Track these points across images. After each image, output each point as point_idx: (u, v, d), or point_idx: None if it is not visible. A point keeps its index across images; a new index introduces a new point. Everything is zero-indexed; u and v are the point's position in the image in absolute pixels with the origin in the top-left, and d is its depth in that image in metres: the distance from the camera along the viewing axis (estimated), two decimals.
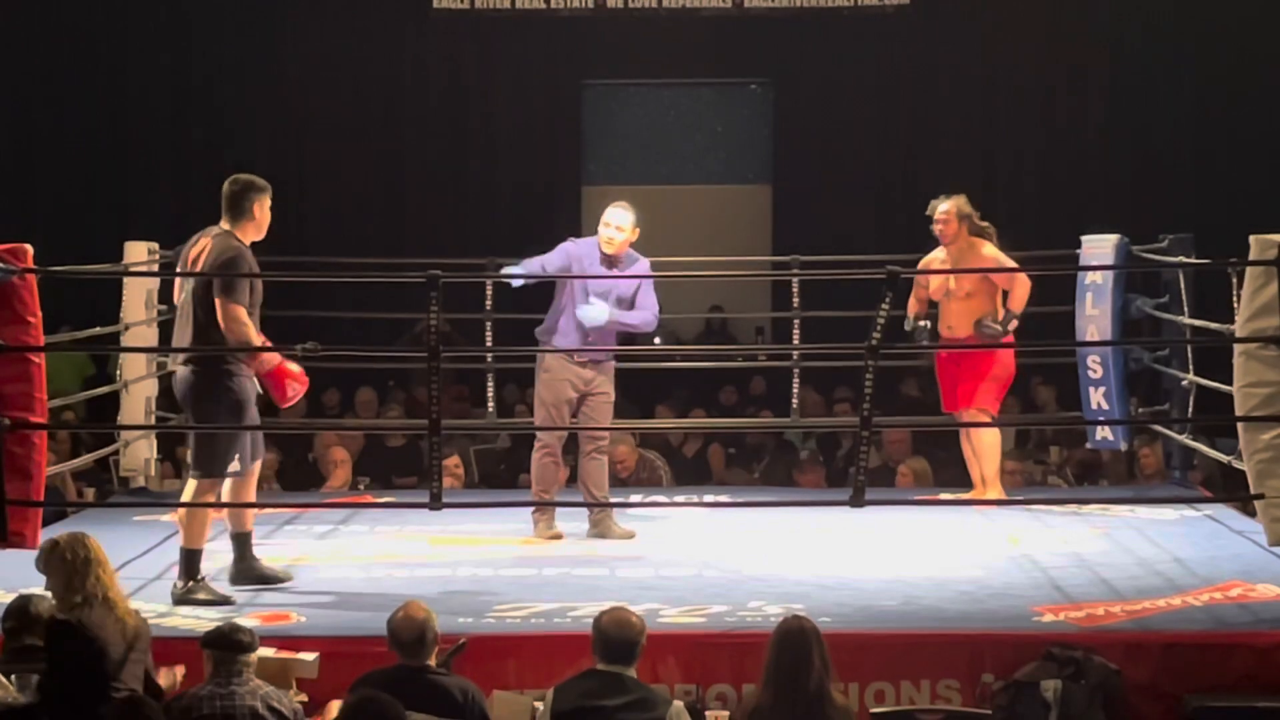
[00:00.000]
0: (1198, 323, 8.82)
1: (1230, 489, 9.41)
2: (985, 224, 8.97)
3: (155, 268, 9.61)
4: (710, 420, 12.16)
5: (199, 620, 6.32)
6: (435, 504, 6.64)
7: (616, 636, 5.37)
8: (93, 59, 14.43)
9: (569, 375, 8.10)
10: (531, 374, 12.18)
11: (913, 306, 9.07)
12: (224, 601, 6.88)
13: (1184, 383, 9.10)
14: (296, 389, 7.12)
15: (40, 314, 6.53)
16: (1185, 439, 9.14)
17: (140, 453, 9.44)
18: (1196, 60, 14.20)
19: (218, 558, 7.33)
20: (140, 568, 7.53)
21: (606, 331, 8.10)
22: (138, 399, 9.36)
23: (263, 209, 7.32)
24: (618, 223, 8.14)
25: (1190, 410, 9.10)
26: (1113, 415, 9.24)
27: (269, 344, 7.05)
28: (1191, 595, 6.77)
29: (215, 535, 8.34)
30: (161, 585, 7.16)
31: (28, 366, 6.49)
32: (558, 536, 8.19)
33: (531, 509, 8.27)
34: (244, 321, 6.91)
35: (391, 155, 14.62)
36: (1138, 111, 14.24)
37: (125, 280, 9.40)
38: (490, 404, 10.21)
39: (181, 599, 6.89)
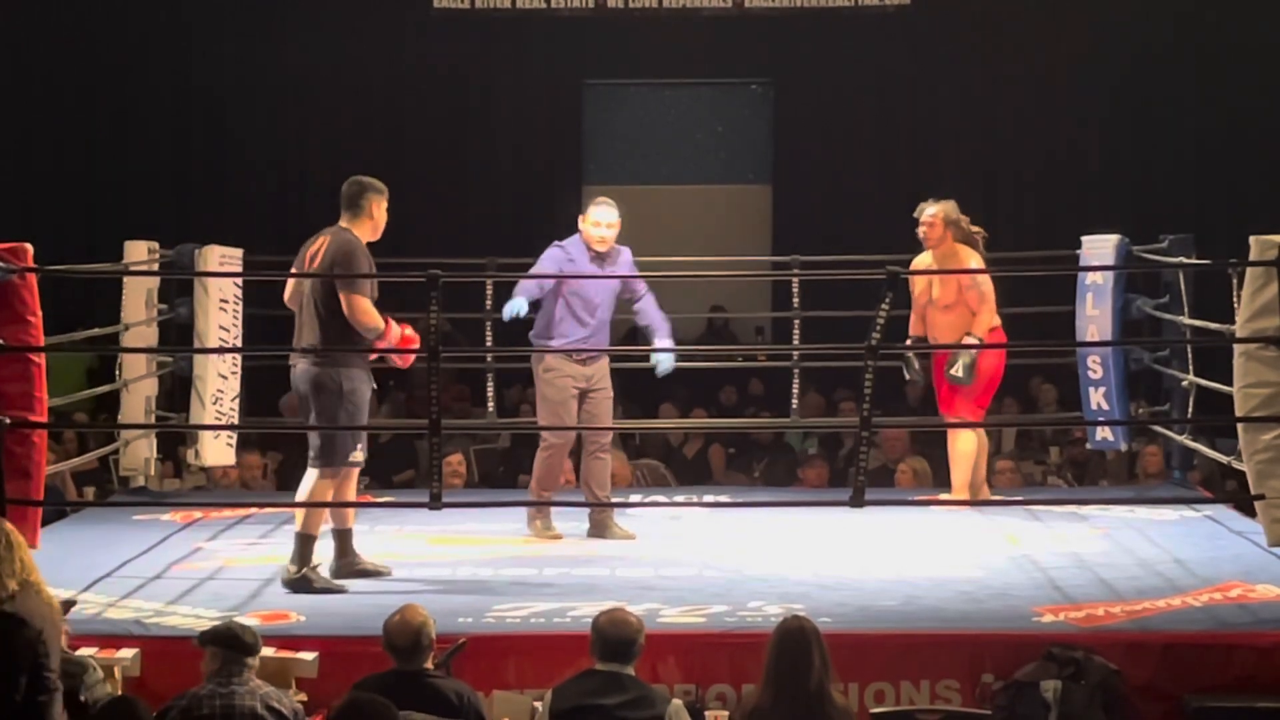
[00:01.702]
0: (1198, 323, 8.82)
1: (1230, 489, 9.43)
2: (976, 229, 8.92)
3: (155, 267, 9.61)
4: (710, 420, 12.16)
5: (198, 620, 6.32)
6: (435, 504, 6.65)
7: (614, 636, 5.38)
8: (92, 58, 14.42)
9: (570, 372, 8.13)
10: (530, 373, 12.23)
11: (915, 326, 9.02)
12: (336, 590, 7.01)
13: (1184, 383, 9.10)
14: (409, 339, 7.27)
15: (40, 313, 6.53)
16: (1185, 439, 9.14)
17: (140, 452, 9.44)
18: (1196, 60, 14.19)
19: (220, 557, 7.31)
20: (140, 567, 7.54)
21: (603, 328, 8.17)
22: (138, 398, 9.36)
23: (380, 209, 7.48)
24: (608, 221, 8.20)
25: (1190, 411, 9.10)
26: (1113, 415, 9.25)
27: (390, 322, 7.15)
28: (1191, 595, 6.76)
29: (216, 533, 8.35)
30: (161, 585, 7.17)
31: (28, 366, 6.49)
32: (557, 537, 8.20)
33: (527, 509, 8.27)
34: (368, 310, 7.06)
35: (392, 155, 14.58)
36: (1138, 111, 14.23)
37: (125, 280, 9.40)
38: (490, 404, 10.21)
39: (292, 583, 7.02)
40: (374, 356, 7.34)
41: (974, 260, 8.78)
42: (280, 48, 14.33)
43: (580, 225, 8.28)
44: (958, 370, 8.73)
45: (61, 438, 10.62)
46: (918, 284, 8.94)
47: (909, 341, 8.96)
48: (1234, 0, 14.09)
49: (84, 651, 5.73)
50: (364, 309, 7.06)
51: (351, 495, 7.32)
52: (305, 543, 7.09)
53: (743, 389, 13.12)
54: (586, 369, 8.15)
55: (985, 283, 8.80)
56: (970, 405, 8.84)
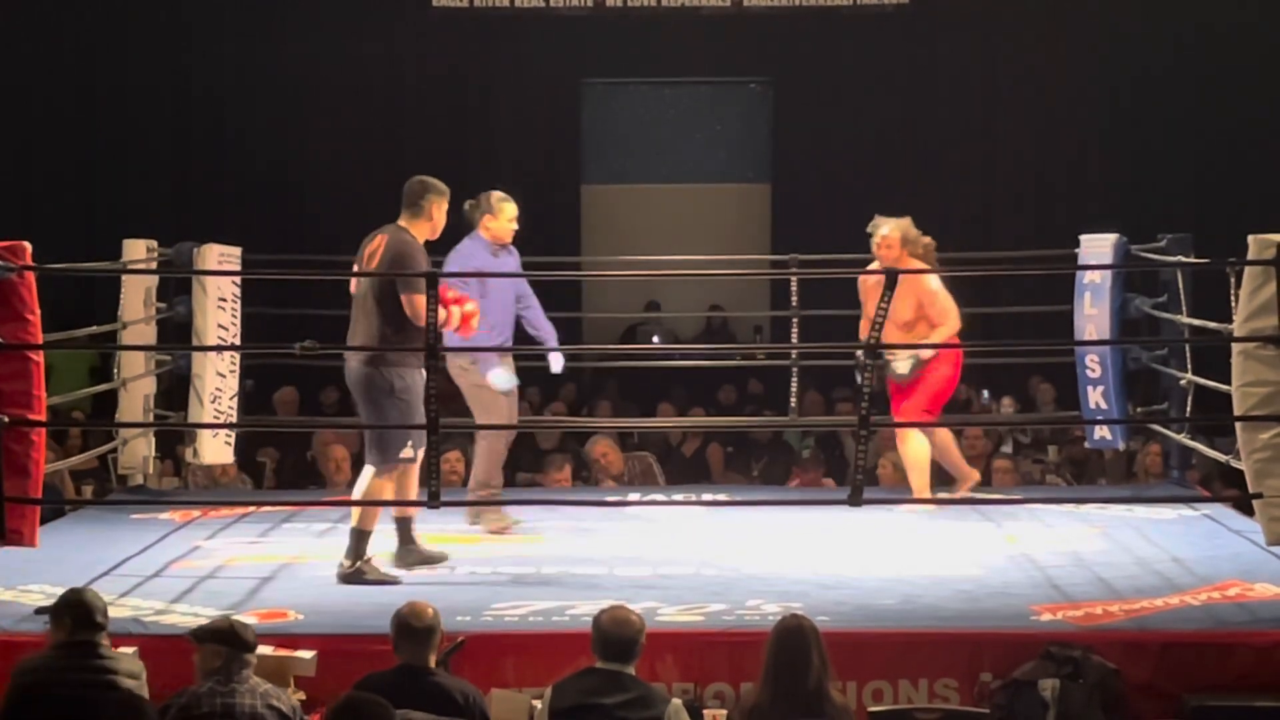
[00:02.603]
0: (1196, 322, 8.82)
1: (1228, 488, 9.42)
2: (927, 239, 8.85)
3: (154, 265, 9.61)
4: (709, 420, 12.16)
5: (196, 618, 6.31)
6: (434, 502, 6.65)
7: (615, 635, 5.37)
8: (92, 57, 14.42)
9: (506, 366, 8.33)
10: (530, 374, 12.23)
11: (864, 329, 8.81)
12: (391, 582, 7.09)
13: (1182, 382, 9.10)
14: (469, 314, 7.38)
15: (39, 311, 6.52)
16: (1183, 438, 9.14)
17: (139, 451, 9.43)
18: (1196, 60, 14.19)
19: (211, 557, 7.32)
20: (138, 565, 7.54)
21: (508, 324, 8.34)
22: (136, 397, 9.35)
23: (440, 210, 7.54)
24: (516, 214, 8.41)
25: (1188, 410, 9.10)
26: (1111, 414, 9.25)
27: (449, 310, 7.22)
28: (1190, 594, 6.76)
29: (214, 532, 8.35)
30: (159, 583, 7.16)
31: (26, 364, 6.49)
32: (507, 528, 8.29)
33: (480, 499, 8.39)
34: (422, 307, 7.04)
35: (390, 153, 14.59)
36: (1136, 111, 14.24)
37: (124, 278, 9.40)
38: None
39: (348, 577, 7.11)
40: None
41: (931, 279, 8.70)
42: (279, 46, 14.33)
43: (486, 223, 8.37)
44: (902, 367, 8.65)
45: (66, 436, 10.64)
46: (872, 296, 8.69)
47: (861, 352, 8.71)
48: (1234, 1, 14.09)
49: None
50: (421, 304, 7.05)
51: (413, 489, 7.33)
52: (360, 538, 7.19)
53: (741, 388, 13.13)
54: (509, 362, 8.37)
55: (945, 298, 8.73)
56: (918, 411, 8.67)
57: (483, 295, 8.02)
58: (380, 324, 7.19)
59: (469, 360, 8.20)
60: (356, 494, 7.29)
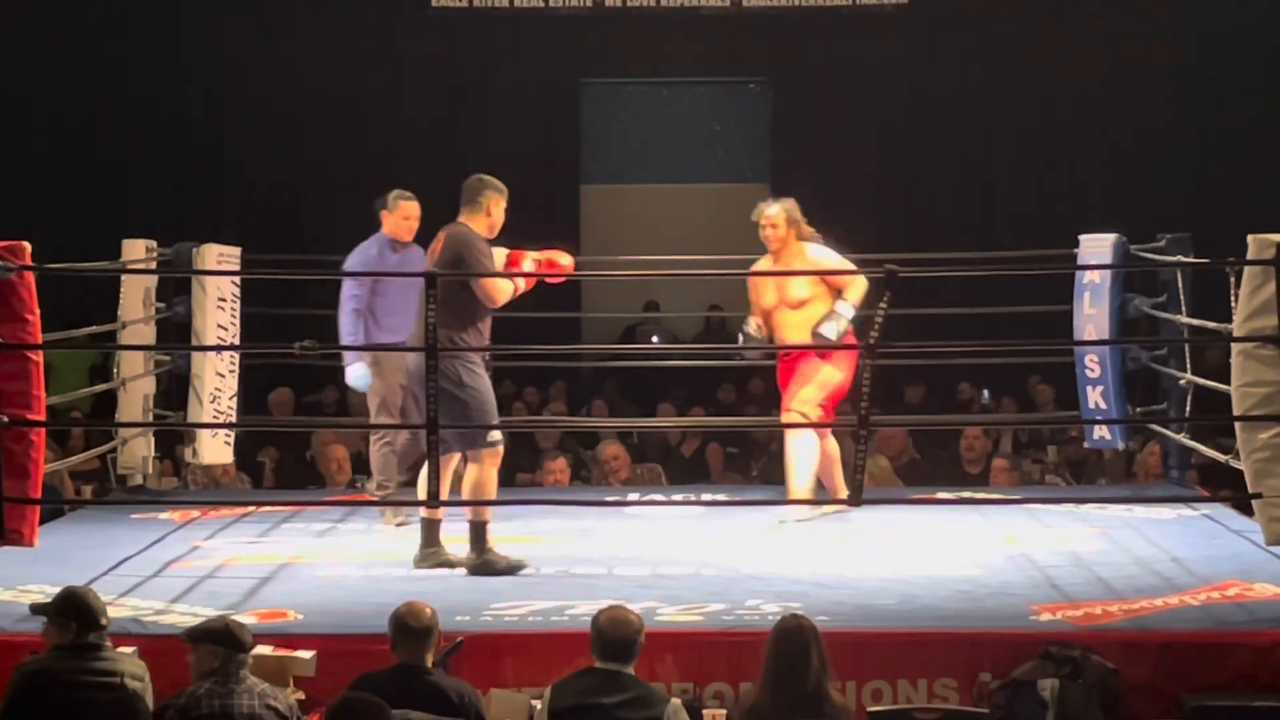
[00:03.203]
0: (1195, 322, 8.82)
1: (1228, 488, 9.42)
2: (812, 231, 8.71)
3: (153, 265, 9.61)
4: (709, 420, 12.15)
5: (196, 618, 6.30)
6: (434, 502, 6.65)
7: (614, 635, 5.37)
8: (91, 56, 14.41)
9: (398, 364, 8.37)
10: (529, 373, 12.25)
11: (755, 322, 8.76)
12: (518, 568, 7.24)
13: (1181, 382, 9.10)
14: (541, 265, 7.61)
15: (38, 311, 6.52)
16: (1183, 438, 9.14)
17: (138, 451, 9.43)
18: (1196, 59, 14.19)
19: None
20: (138, 565, 7.54)
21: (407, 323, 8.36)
22: (135, 397, 9.36)
23: (498, 208, 7.65)
24: (418, 212, 8.67)
25: (1188, 409, 9.10)
26: (1110, 414, 9.25)
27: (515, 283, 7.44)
28: (1189, 594, 6.76)
29: (214, 532, 8.34)
30: (159, 583, 7.17)
31: (26, 364, 6.49)
32: (404, 523, 8.34)
33: (384, 498, 8.56)
34: (497, 285, 7.38)
35: (390, 153, 14.61)
36: (1136, 110, 14.23)
37: (123, 278, 9.40)
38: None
39: (477, 569, 7.23)
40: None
41: (819, 251, 8.58)
42: (278, 46, 14.33)
43: (385, 220, 8.66)
44: (828, 330, 8.39)
45: (69, 436, 10.64)
46: (764, 290, 8.68)
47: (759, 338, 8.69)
48: (1233, 1, 14.09)
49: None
50: (493, 286, 7.34)
51: (493, 478, 7.41)
52: (480, 530, 7.31)
53: (741, 388, 13.12)
54: (417, 359, 8.34)
55: (842, 260, 8.62)
56: (810, 404, 8.45)
57: (382, 294, 8.42)
58: (452, 319, 7.23)
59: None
60: (465, 492, 7.35)
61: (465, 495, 7.36)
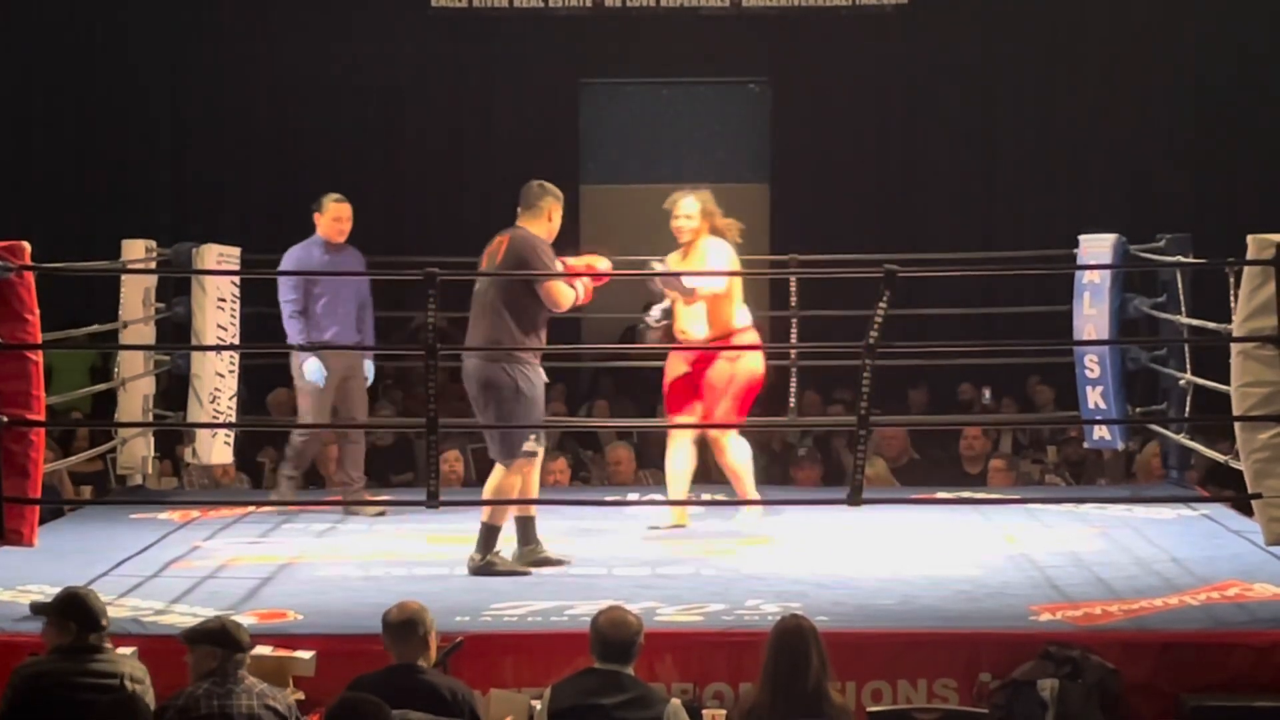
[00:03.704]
0: (1195, 322, 8.82)
1: (1227, 488, 9.42)
2: (729, 221, 8.48)
3: (153, 265, 9.61)
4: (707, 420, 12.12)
5: (195, 619, 6.30)
6: (432, 502, 6.65)
7: (613, 636, 5.37)
8: (91, 56, 14.40)
9: (331, 365, 8.71)
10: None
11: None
12: (521, 574, 7.25)
13: (1181, 382, 9.10)
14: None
15: (38, 311, 6.53)
16: (1182, 438, 9.14)
17: (138, 451, 9.43)
18: (1195, 58, 14.19)
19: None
20: (138, 565, 7.54)
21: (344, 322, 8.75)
22: (135, 397, 9.36)
23: (557, 214, 7.65)
24: (349, 214, 8.89)
25: (1187, 410, 9.10)
26: (1110, 414, 9.25)
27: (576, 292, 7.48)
28: (1189, 594, 6.77)
29: (214, 532, 8.34)
30: (159, 584, 7.17)
31: (25, 364, 6.49)
32: (382, 513, 8.79)
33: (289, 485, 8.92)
34: (561, 289, 7.39)
35: (389, 153, 14.60)
36: (1135, 110, 14.23)
37: (123, 278, 9.40)
38: None
39: (479, 570, 7.26)
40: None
41: (712, 246, 8.31)
42: (277, 46, 14.32)
43: (317, 222, 8.89)
44: (655, 315, 8.30)
45: (74, 438, 10.64)
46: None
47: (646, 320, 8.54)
48: (1233, 1, 14.09)
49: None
50: (558, 290, 7.36)
51: (534, 484, 7.50)
52: (490, 533, 7.34)
53: None
54: (345, 359, 8.74)
55: (726, 265, 8.38)
56: (731, 414, 8.38)
57: (317, 297, 8.66)
58: (509, 321, 7.30)
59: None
60: (487, 492, 7.41)
61: (486, 494, 7.41)
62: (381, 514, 8.85)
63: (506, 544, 7.51)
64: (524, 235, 7.53)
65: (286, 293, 8.78)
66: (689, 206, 8.31)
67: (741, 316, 8.46)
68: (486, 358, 7.35)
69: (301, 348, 8.70)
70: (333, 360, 8.77)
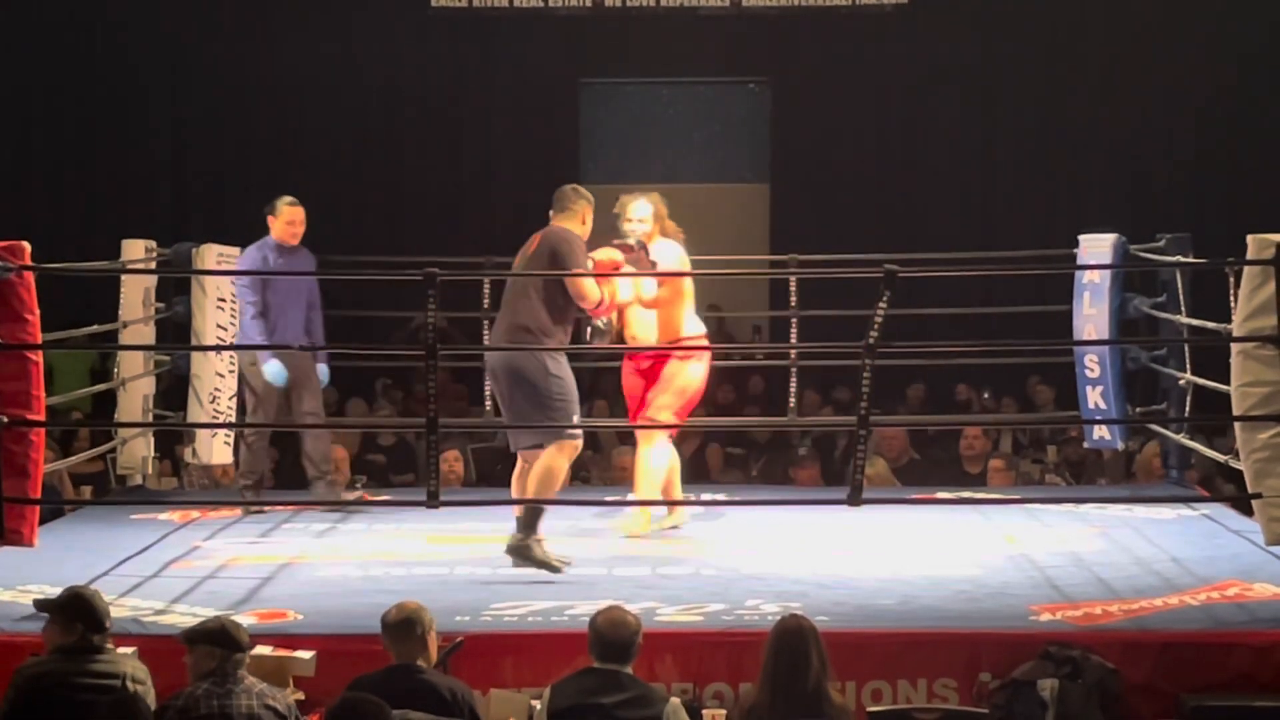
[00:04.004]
0: (1195, 322, 8.82)
1: (1227, 488, 9.43)
2: (674, 224, 8.33)
3: (152, 265, 9.61)
4: (708, 419, 12.13)
5: (195, 619, 6.30)
6: (432, 502, 6.65)
7: (612, 635, 5.37)
8: (91, 56, 14.41)
9: (284, 363, 8.75)
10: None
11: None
12: (552, 568, 7.15)
13: (1181, 382, 9.10)
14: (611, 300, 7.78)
15: (38, 311, 6.53)
16: (1182, 438, 9.14)
17: (138, 451, 9.43)
18: (1194, 58, 14.19)
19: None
20: (138, 565, 7.53)
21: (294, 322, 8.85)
22: (135, 397, 9.36)
23: (588, 217, 7.67)
24: (302, 217, 8.95)
25: (1187, 409, 9.10)
26: (1110, 414, 9.25)
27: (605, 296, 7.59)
28: (1189, 594, 6.76)
29: (213, 532, 8.34)
30: (159, 584, 7.16)
31: (25, 364, 6.49)
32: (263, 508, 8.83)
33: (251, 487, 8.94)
34: (591, 285, 7.47)
35: (389, 153, 14.61)
36: (1135, 110, 14.23)
37: (123, 278, 9.40)
38: (488, 402, 10.19)
39: (515, 549, 7.20)
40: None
41: (676, 248, 8.15)
42: (277, 46, 14.33)
43: (271, 224, 8.94)
44: (601, 323, 7.99)
45: (75, 437, 10.64)
46: (612, 284, 7.98)
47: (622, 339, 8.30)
48: (1232, 1, 14.09)
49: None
50: (586, 286, 7.42)
51: (564, 468, 7.48)
52: (533, 514, 7.29)
53: (741, 387, 13.12)
54: (296, 357, 8.82)
55: (679, 266, 8.20)
56: (665, 410, 8.13)
57: (274, 298, 8.74)
58: (539, 309, 7.36)
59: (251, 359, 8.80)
60: (535, 472, 7.37)
61: (533, 478, 7.38)
62: (359, 500, 8.98)
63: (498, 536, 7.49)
64: (558, 229, 7.55)
65: (249, 294, 8.82)
66: (642, 209, 8.13)
67: (692, 324, 8.27)
68: (511, 345, 7.38)
69: (296, 349, 8.75)
70: (286, 361, 8.83)
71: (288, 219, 8.94)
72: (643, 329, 8.26)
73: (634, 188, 8.49)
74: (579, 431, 7.46)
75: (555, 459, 7.37)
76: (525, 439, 7.51)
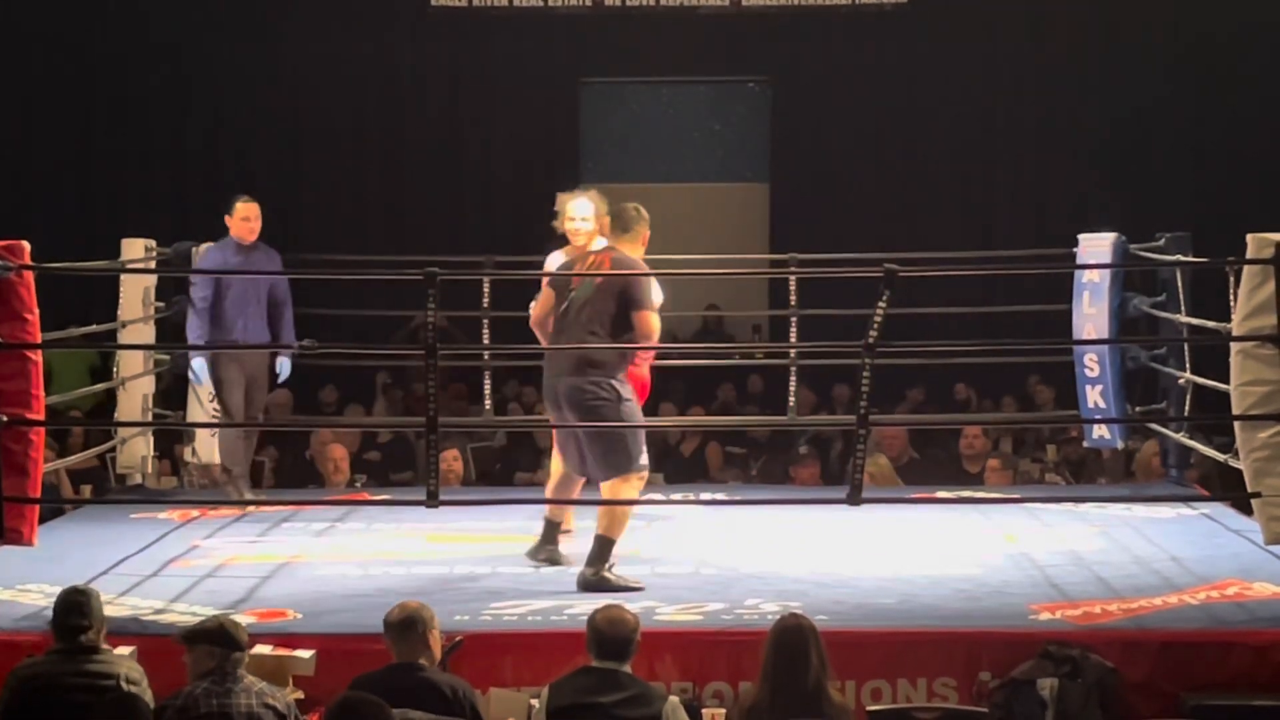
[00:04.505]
0: (1195, 321, 8.82)
1: (1227, 487, 9.42)
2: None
3: (152, 265, 9.61)
4: (708, 419, 12.14)
5: (195, 618, 6.30)
6: (432, 501, 6.64)
7: (610, 634, 5.37)
8: (91, 56, 14.42)
9: (241, 361, 8.96)
10: (529, 373, 12.22)
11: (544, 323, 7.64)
12: (633, 589, 6.97)
13: (1181, 381, 9.10)
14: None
15: (37, 310, 6.53)
16: (1182, 437, 9.14)
17: (137, 450, 9.43)
18: (1194, 58, 14.20)
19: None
20: (137, 565, 7.53)
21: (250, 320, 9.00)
22: (135, 396, 9.36)
23: (646, 237, 7.39)
24: (257, 213, 9.13)
25: (1187, 408, 9.10)
26: (1110, 414, 9.24)
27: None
28: (1188, 593, 6.76)
29: (213, 531, 8.35)
30: (158, 583, 7.16)
31: (25, 363, 6.49)
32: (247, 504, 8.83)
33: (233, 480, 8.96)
34: (656, 322, 7.18)
35: (389, 153, 14.62)
36: (1135, 110, 14.24)
37: (122, 277, 9.40)
38: (487, 402, 10.21)
39: (589, 584, 6.99)
40: None
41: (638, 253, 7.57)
42: (278, 46, 14.34)
43: (231, 224, 9.10)
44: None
45: (68, 435, 10.64)
46: (564, 284, 7.42)
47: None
48: (1232, 1, 14.09)
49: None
50: (654, 321, 7.16)
51: (631, 497, 7.23)
52: (605, 545, 7.10)
53: (741, 387, 13.13)
54: (253, 357, 8.97)
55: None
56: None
57: (224, 296, 8.87)
58: (606, 339, 7.09)
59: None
60: (603, 511, 7.14)
61: (603, 512, 7.15)
62: (253, 501, 8.95)
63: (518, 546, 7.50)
64: (628, 259, 7.22)
65: (201, 289, 8.93)
66: (584, 208, 7.74)
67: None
68: (579, 372, 7.10)
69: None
70: (243, 357, 8.97)
71: (243, 215, 9.09)
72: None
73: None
74: (646, 462, 7.26)
75: (623, 491, 7.15)
76: (602, 472, 7.22)
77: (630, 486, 7.16)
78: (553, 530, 7.56)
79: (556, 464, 7.58)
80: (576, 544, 7.60)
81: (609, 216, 7.51)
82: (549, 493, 7.65)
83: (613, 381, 7.12)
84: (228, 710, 5.20)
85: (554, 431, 7.45)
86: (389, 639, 5.60)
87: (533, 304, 7.51)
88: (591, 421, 7.11)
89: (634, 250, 7.33)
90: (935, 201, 14.41)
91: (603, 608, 5.48)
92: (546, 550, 7.52)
